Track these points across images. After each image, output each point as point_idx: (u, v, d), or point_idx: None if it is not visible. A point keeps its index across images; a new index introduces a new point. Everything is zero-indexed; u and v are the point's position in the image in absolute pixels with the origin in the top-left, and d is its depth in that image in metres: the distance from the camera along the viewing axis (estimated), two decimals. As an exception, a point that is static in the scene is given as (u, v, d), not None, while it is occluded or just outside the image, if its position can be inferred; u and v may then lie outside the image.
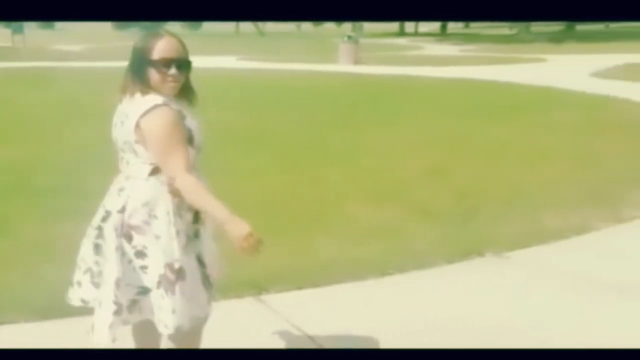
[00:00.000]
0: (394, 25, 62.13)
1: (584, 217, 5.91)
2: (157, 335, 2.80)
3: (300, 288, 4.42)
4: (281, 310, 4.06)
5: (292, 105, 13.61)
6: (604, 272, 4.74)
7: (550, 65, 24.26)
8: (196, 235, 2.71)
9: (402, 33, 59.97)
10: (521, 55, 28.56)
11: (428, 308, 4.17)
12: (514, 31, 51.62)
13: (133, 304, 2.63)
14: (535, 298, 4.34)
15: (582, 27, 52.73)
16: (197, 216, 2.69)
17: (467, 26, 72.95)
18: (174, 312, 2.59)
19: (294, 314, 4.01)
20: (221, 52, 32.76)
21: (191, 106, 2.76)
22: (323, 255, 5.00)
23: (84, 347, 3.41)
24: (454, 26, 67.39)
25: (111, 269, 2.58)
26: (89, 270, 2.71)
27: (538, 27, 50.83)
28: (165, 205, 2.60)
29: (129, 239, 2.60)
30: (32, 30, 55.37)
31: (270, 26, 69.31)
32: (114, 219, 2.60)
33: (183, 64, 2.65)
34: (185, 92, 2.73)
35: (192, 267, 2.66)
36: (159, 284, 2.59)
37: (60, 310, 3.88)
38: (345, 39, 27.67)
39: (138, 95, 2.61)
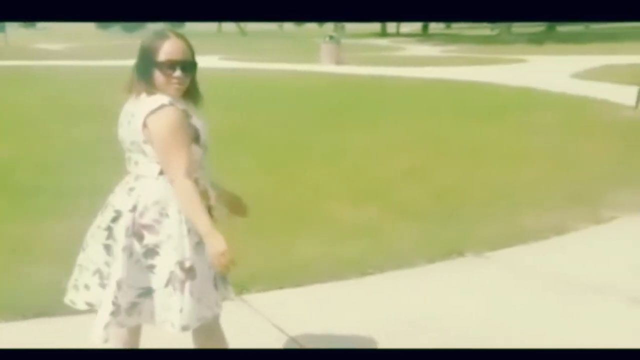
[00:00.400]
0: (375, 26, 62.15)
1: (563, 218, 5.96)
2: (138, 338, 2.82)
3: (281, 287, 4.43)
4: (262, 310, 4.07)
5: (274, 105, 13.61)
6: (583, 272, 4.79)
7: (531, 66, 24.37)
8: None
9: (383, 33, 59.99)
10: (502, 56, 28.67)
11: (409, 308, 4.19)
12: (495, 32, 51.84)
13: (132, 306, 2.60)
14: (515, 298, 4.38)
15: (562, 28, 53.05)
16: (208, 215, 2.64)
17: (448, 27, 73.12)
18: (181, 311, 2.57)
19: (275, 314, 4.02)
20: (203, 51, 32.49)
21: (197, 107, 2.73)
22: (304, 254, 5.01)
23: (67, 347, 3.42)
24: (435, 27, 67.60)
25: (116, 270, 2.56)
26: (97, 271, 2.65)
27: (519, 27, 51.11)
28: (176, 204, 2.58)
29: (140, 238, 2.58)
30: (14, 29, 55.00)
31: (252, 26, 69.05)
32: (125, 218, 2.58)
33: (188, 66, 2.63)
34: (190, 94, 2.71)
35: (202, 267, 2.62)
36: (168, 281, 2.57)
37: (44, 309, 3.89)
38: (327, 39, 27.71)
39: (144, 95, 2.61)
